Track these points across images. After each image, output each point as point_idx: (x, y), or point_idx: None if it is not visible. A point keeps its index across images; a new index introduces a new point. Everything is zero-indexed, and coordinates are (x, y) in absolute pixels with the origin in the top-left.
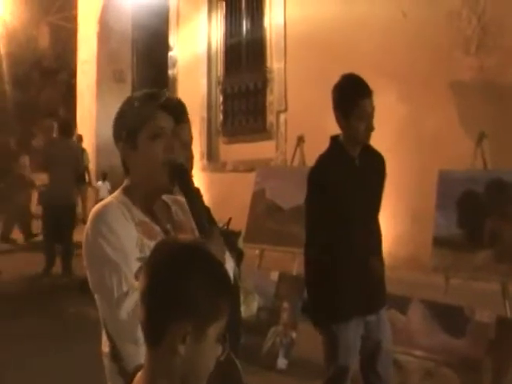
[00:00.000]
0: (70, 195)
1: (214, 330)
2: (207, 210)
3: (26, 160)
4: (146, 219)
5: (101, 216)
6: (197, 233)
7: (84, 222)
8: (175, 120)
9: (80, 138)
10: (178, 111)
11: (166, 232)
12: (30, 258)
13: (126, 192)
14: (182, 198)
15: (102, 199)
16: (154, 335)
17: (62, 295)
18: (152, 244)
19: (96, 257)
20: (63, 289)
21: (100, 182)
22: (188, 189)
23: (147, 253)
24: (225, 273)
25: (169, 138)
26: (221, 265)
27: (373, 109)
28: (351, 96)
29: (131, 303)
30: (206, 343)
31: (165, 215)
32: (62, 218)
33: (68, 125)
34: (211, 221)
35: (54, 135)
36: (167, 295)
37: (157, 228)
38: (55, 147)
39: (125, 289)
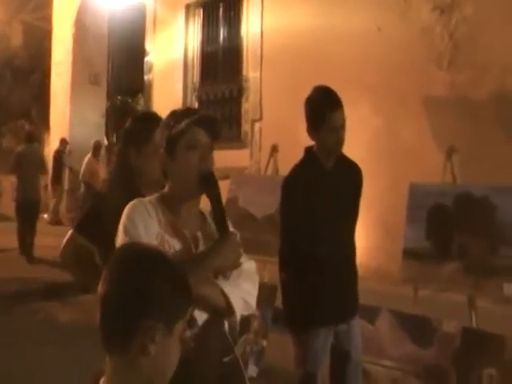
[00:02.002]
0: (36, 192)
1: (179, 328)
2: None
3: None
4: (173, 220)
5: (126, 212)
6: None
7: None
8: (210, 135)
9: (65, 142)
10: (213, 128)
11: (194, 238)
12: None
13: (160, 197)
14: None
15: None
16: (123, 338)
17: (29, 300)
18: (173, 241)
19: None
20: (31, 294)
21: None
22: (214, 195)
23: (166, 248)
24: (183, 273)
25: (204, 150)
26: (178, 266)
27: (343, 121)
28: (321, 109)
29: None
30: (173, 341)
31: (198, 224)
32: (29, 211)
33: (33, 134)
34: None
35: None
36: (136, 297)
37: (183, 231)
38: (23, 153)
39: None
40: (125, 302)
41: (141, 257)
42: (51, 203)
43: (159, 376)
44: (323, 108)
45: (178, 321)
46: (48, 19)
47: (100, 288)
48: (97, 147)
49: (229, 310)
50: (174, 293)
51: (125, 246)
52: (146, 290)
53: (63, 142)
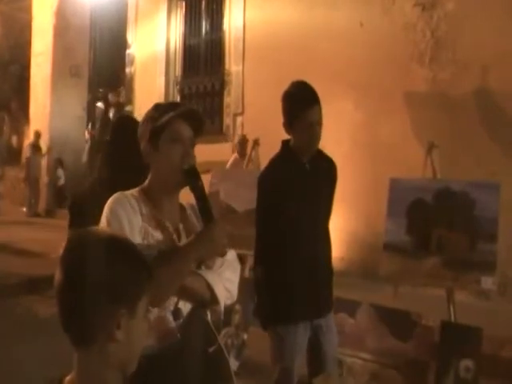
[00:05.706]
0: None
1: (142, 307)
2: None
3: None
4: (155, 213)
5: (109, 204)
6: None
7: None
8: (194, 130)
9: (38, 135)
10: (197, 122)
11: (176, 230)
12: None
13: (142, 189)
14: (196, 204)
15: (60, 186)
16: (86, 329)
17: (8, 295)
18: (157, 234)
19: None
20: (10, 288)
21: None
22: (198, 187)
23: (150, 241)
24: (138, 252)
25: (186, 144)
26: (133, 245)
27: (320, 118)
28: (296, 105)
29: None
30: (137, 321)
31: (178, 216)
32: None
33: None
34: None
35: None
36: (93, 285)
37: (165, 223)
38: None
39: None
40: (81, 292)
41: (94, 243)
42: (28, 197)
43: (129, 358)
44: (298, 104)
45: (140, 300)
46: (27, 9)
47: (56, 279)
48: (241, 143)
49: (213, 299)
50: (132, 273)
51: (77, 234)
52: (103, 276)
53: (36, 134)
